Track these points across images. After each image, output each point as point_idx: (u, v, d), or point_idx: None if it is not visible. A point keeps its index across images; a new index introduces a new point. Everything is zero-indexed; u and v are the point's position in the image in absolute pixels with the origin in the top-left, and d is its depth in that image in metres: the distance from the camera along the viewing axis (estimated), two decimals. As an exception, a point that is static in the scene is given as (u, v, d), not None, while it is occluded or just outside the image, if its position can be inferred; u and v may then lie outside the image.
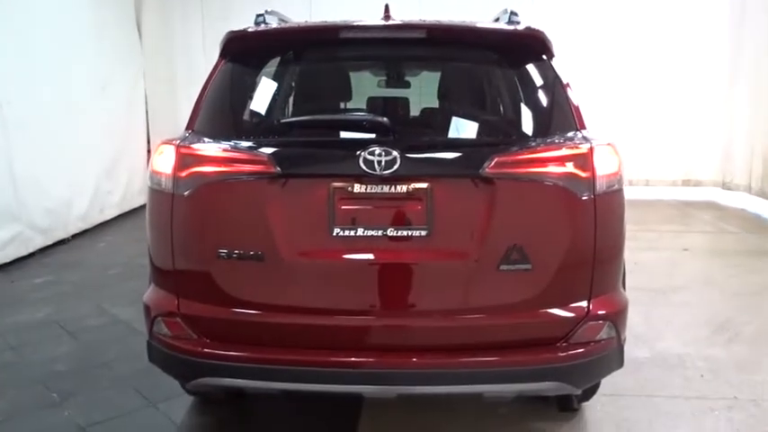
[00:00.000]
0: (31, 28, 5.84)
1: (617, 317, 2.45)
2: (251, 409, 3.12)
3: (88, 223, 6.89)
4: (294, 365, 2.33)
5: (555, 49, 2.64)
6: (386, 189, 2.30)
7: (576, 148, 2.36)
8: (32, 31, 5.85)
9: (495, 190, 2.31)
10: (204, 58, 8.06)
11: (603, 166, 2.34)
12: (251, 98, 2.77)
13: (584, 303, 2.38)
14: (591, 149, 2.34)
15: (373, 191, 2.30)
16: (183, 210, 2.37)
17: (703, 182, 9.08)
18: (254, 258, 2.33)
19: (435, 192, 2.30)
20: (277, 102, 2.94)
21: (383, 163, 2.26)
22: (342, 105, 3.29)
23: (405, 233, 2.32)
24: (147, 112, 8.61)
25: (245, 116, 2.77)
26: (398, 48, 2.83)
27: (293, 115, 3.15)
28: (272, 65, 2.89)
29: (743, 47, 8.47)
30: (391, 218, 2.33)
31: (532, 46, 2.64)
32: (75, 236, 6.58)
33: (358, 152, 2.27)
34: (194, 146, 2.44)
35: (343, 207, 2.31)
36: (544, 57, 2.62)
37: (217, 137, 2.48)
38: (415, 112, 3.95)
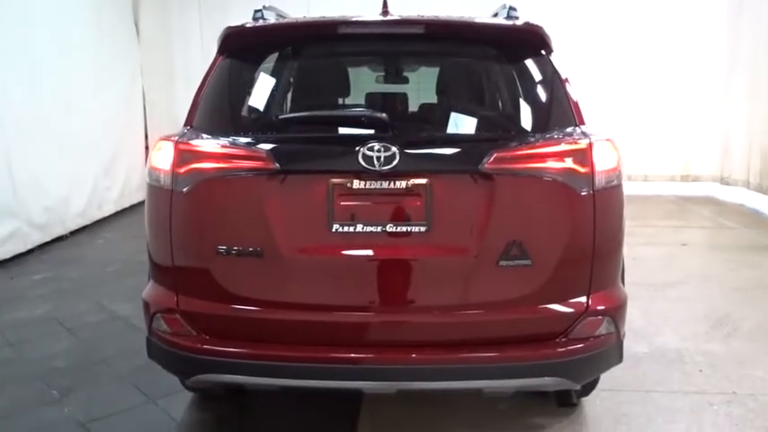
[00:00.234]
0: (28, 23, 5.82)
1: (616, 312, 2.46)
2: (251, 406, 3.12)
3: (86, 220, 6.89)
4: (294, 362, 2.33)
5: (553, 45, 2.63)
6: (385, 185, 2.30)
7: (575, 143, 2.36)
8: (30, 27, 5.84)
9: (495, 185, 2.30)
10: (202, 53, 8.06)
11: (602, 162, 2.33)
12: (249, 94, 2.76)
13: (583, 299, 2.38)
14: (590, 145, 2.34)
15: (372, 187, 2.30)
16: (182, 206, 2.37)
17: (702, 177, 9.10)
18: (253, 255, 2.33)
19: (434, 187, 2.30)
20: (275, 98, 2.93)
21: (382, 159, 2.25)
22: (340, 101, 3.28)
23: (404, 229, 2.32)
24: (144, 107, 8.60)
25: (244, 112, 2.77)
26: (397, 43, 2.83)
27: (292, 111, 3.15)
28: (271, 60, 2.88)
29: (741, 38, 8.49)
30: (390, 214, 2.32)
31: (531, 41, 2.64)
32: (73, 232, 6.59)
33: (357, 148, 2.26)
34: (193, 142, 2.43)
35: (342, 203, 2.31)
36: (543, 52, 2.62)
37: (215, 133, 2.48)
38: (413, 107, 3.95)
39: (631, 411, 3.02)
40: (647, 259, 5.47)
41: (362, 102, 3.60)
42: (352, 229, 2.31)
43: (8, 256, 5.54)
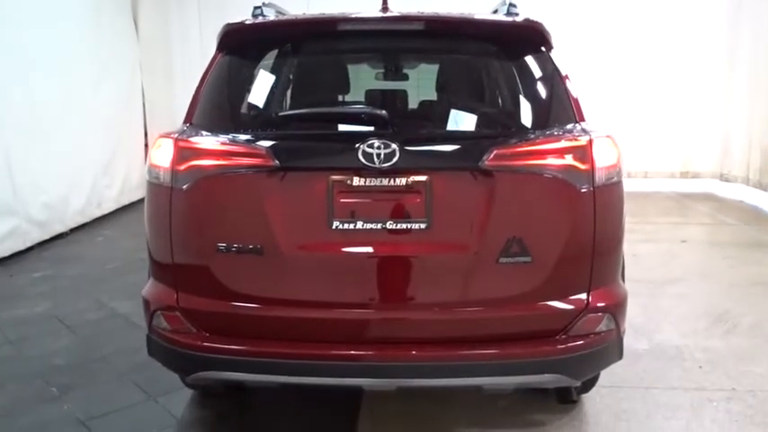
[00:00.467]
0: (27, 21, 5.81)
1: (616, 309, 2.46)
2: (251, 403, 3.12)
3: (86, 217, 6.88)
4: (294, 359, 2.33)
5: (553, 41, 2.63)
6: (385, 182, 2.30)
7: (576, 140, 2.36)
8: (29, 25, 5.82)
9: (495, 182, 2.30)
10: (201, 51, 8.04)
11: (603, 159, 2.33)
12: (249, 91, 2.76)
13: (583, 296, 2.38)
14: (590, 141, 2.34)
15: (372, 184, 2.30)
16: (182, 203, 2.37)
17: (701, 174, 9.09)
18: (253, 252, 2.32)
19: (434, 184, 2.30)
20: (275, 95, 2.92)
21: (382, 156, 2.25)
22: (340, 98, 3.28)
23: (404, 226, 2.32)
24: (144, 105, 8.59)
25: (243, 109, 2.76)
26: (396, 40, 2.82)
27: (291, 108, 3.14)
28: (270, 57, 2.87)
29: (741, 35, 8.47)
30: (390, 211, 2.32)
31: (531, 38, 2.63)
32: (73, 230, 6.58)
33: (357, 145, 2.26)
34: (192, 139, 2.43)
35: (342, 200, 2.31)
36: (543, 49, 2.61)
37: (215, 130, 2.48)
38: (413, 104, 3.95)
39: (631, 408, 3.02)
40: (647, 256, 5.46)
41: (362, 99, 3.59)
42: (352, 226, 2.31)
43: (8, 253, 5.53)
